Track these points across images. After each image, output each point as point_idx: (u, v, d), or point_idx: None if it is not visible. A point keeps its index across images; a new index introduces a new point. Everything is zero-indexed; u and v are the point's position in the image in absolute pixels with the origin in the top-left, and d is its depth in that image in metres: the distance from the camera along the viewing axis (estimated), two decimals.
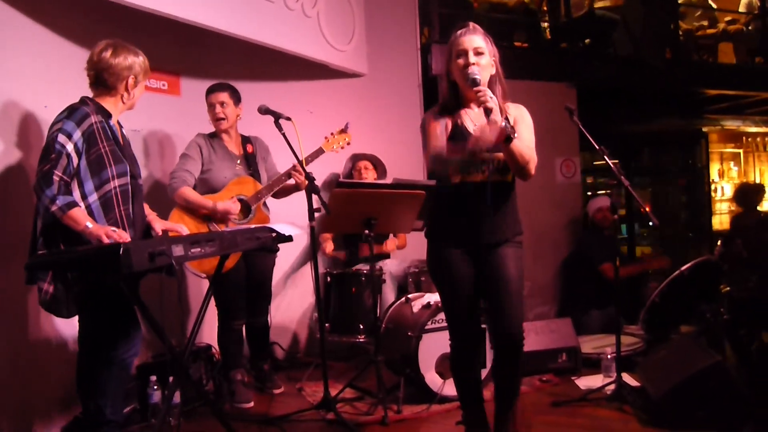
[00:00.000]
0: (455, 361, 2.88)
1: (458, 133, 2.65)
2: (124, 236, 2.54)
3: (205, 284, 3.98)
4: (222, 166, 3.80)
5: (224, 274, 3.63)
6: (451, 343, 2.86)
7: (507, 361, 2.73)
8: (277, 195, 3.94)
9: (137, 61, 2.77)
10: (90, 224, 2.51)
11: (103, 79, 2.73)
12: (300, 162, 3.50)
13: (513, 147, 2.52)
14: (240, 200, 3.78)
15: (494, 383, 2.83)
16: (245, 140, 3.94)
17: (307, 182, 3.41)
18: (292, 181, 3.84)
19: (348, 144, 4.06)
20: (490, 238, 2.70)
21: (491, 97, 2.46)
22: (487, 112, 2.43)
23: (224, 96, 3.81)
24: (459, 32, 2.67)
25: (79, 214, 2.51)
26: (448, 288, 2.78)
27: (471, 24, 2.70)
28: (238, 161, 3.87)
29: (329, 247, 4.62)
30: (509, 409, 2.80)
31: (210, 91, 3.84)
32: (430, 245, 2.86)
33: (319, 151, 3.91)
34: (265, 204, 3.92)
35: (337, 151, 4.07)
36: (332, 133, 4.01)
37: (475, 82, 2.51)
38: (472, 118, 2.69)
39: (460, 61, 2.61)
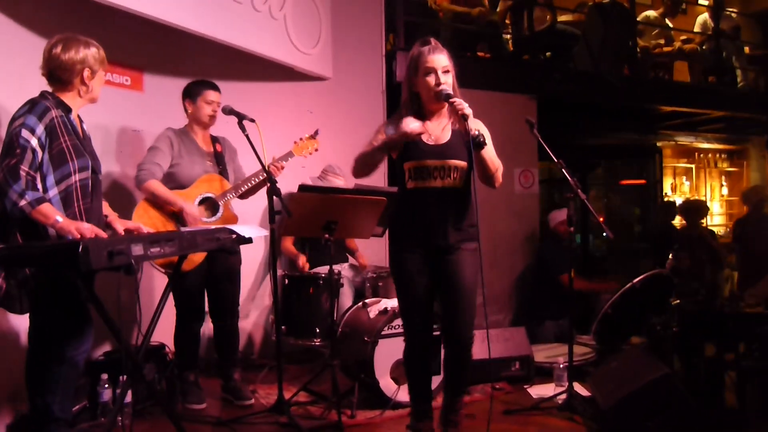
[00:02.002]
0: (408, 360, 3.07)
1: (412, 144, 2.85)
2: (98, 231, 2.53)
3: (162, 282, 3.91)
4: (192, 161, 3.76)
5: (184, 274, 3.61)
6: (405, 344, 3.05)
7: (457, 359, 3.00)
8: (244, 195, 3.91)
9: (89, 53, 2.72)
10: (60, 218, 2.50)
11: (57, 76, 2.69)
12: (263, 165, 3.49)
13: (484, 154, 2.78)
14: (208, 198, 3.75)
15: (444, 377, 3.12)
16: (214, 140, 3.92)
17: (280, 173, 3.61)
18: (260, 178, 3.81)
19: (316, 150, 4.05)
20: (444, 243, 2.87)
21: (467, 106, 2.70)
22: (464, 117, 2.68)
23: (219, 96, 3.81)
24: (424, 48, 2.84)
25: (49, 209, 2.50)
26: (404, 291, 2.96)
27: (432, 40, 2.88)
28: (209, 159, 3.84)
29: (302, 260, 4.45)
30: (457, 398, 3.07)
31: (210, 88, 3.81)
32: (390, 249, 3.03)
33: (289, 155, 3.90)
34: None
35: (305, 156, 4.08)
36: (302, 138, 4.00)
37: (449, 96, 2.74)
38: (429, 130, 2.88)
39: (430, 78, 2.80)
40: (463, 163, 2.85)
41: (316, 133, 4.05)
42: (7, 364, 3.18)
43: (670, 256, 5.29)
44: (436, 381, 3.28)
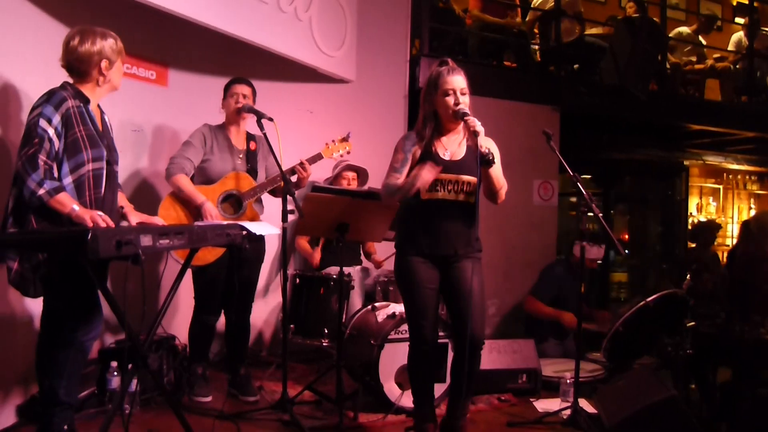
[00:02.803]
0: (415, 364, 3.11)
1: (429, 158, 2.99)
2: (108, 221, 2.58)
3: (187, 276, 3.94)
4: (222, 158, 3.80)
5: (204, 268, 3.67)
6: (411, 348, 3.10)
7: (470, 360, 2.97)
8: (277, 193, 3.91)
9: (106, 44, 2.76)
10: (76, 207, 2.56)
11: (75, 68, 2.76)
12: (278, 163, 3.53)
13: (491, 171, 2.95)
14: (232, 194, 3.78)
15: (452, 381, 3.15)
16: (250, 137, 3.95)
17: (308, 177, 3.70)
18: (292, 179, 3.82)
19: (348, 153, 4.07)
20: (452, 252, 3.03)
21: (479, 123, 2.86)
22: (476, 134, 2.83)
23: (247, 90, 3.85)
24: (443, 69, 3.01)
25: (66, 198, 2.57)
26: (414, 296, 3.04)
27: (450, 62, 3.05)
28: (240, 155, 3.87)
29: (317, 257, 4.56)
30: (465, 401, 3.14)
31: (235, 82, 3.86)
32: (398, 254, 3.13)
33: (318, 157, 3.91)
34: (260, 202, 3.91)
35: (335, 159, 4.14)
36: (333, 140, 4.01)
37: (465, 114, 2.90)
38: (445, 145, 3.07)
39: (449, 99, 2.96)
40: (475, 179, 3.00)
41: (348, 135, 4.06)
42: (21, 347, 3.24)
43: (688, 277, 5.19)
44: (439, 389, 3.28)
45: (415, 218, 3.06)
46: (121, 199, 3.00)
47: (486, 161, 2.90)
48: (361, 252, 4.78)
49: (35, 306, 3.14)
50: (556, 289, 4.83)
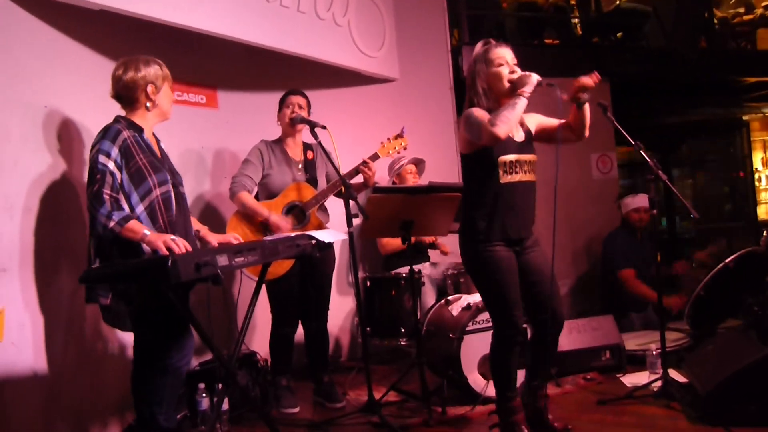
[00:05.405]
0: (505, 351, 2.98)
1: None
2: (185, 243, 2.61)
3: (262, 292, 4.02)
4: (281, 171, 3.86)
5: (276, 281, 3.73)
6: (500, 336, 2.97)
7: (553, 337, 3.06)
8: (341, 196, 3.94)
9: (150, 70, 2.80)
10: (147, 232, 2.60)
11: (123, 96, 2.82)
12: (336, 169, 3.58)
13: (586, 111, 2.96)
14: (295, 205, 3.84)
15: (534, 361, 3.12)
16: (307, 147, 3.99)
17: (374, 175, 3.74)
18: (359, 180, 3.87)
19: (404, 148, 4.06)
20: (528, 234, 3.01)
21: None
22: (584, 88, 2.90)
23: (302, 101, 3.91)
24: (490, 44, 2.99)
25: (136, 225, 2.61)
26: (503, 276, 2.92)
27: (492, 40, 3.03)
28: (299, 166, 3.92)
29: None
30: (546, 380, 3.16)
31: (290, 94, 3.93)
32: (478, 242, 2.96)
33: (375, 156, 3.91)
34: (324, 209, 3.96)
35: (392, 156, 4.15)
36: (388, 139, 4.01)
37: (537, 79, 2.84)
38: None
39: (503, 69, 2.91)
40: (537, 158, 3.04)
41: (403, 131, 4.04)
42: (113, 378, 3.36)
43: (765, 233, 5.02)
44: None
45: (497, 202, 2.92)
46: (195, 223, 3.06)
47: (582, 103, 2.91)
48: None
49: (126, 336, 3.24)
50: (631, 257, 4.75)
